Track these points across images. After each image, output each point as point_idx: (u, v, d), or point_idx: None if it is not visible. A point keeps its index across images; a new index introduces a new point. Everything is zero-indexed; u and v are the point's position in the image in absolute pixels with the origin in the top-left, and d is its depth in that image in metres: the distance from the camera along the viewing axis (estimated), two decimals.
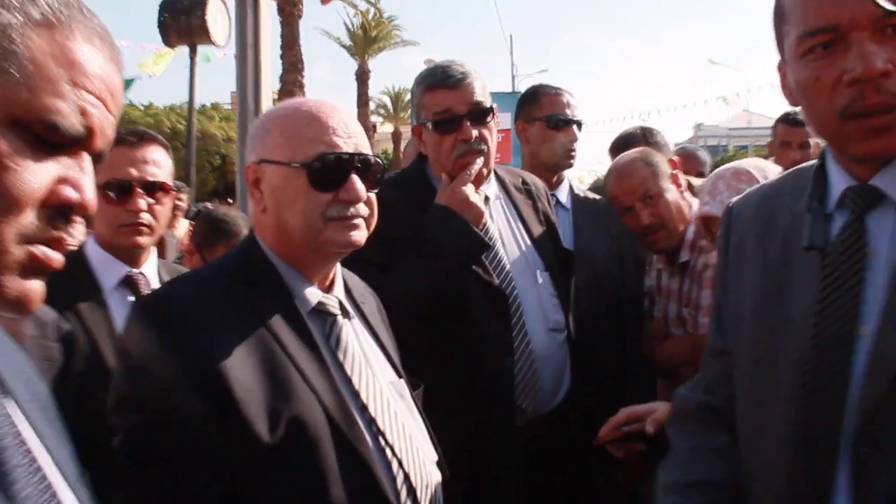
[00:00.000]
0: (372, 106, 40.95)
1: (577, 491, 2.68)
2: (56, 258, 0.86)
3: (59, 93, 0.83)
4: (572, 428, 2.57)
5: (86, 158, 0.89)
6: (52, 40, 0.84)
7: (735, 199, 1.80)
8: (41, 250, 0.84)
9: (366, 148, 1.74)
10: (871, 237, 1.44)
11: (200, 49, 12.70)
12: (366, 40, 36.95)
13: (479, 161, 2.60)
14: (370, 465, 1.56)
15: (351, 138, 1.70)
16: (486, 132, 2.65)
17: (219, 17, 12.23)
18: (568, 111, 3.45)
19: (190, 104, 12.90)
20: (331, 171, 1.66)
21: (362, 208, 1.70)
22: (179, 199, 6.24)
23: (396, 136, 43.82)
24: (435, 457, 1.77)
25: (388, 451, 1.62)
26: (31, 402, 0.96)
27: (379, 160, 1.76)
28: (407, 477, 1.62)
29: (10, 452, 0.85)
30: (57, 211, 0.85)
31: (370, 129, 36.09)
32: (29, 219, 0.82)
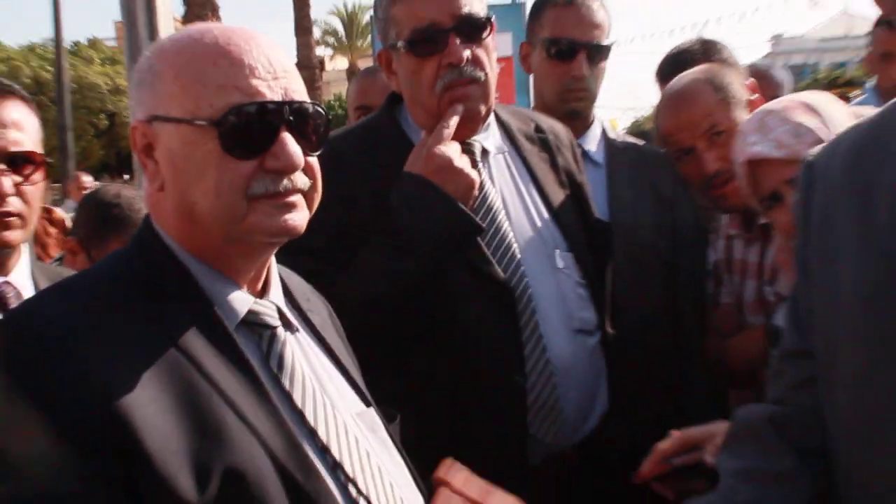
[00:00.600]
0: (317, 33, 40.98)
1: None
2: None
3: None
4: (610, 465, 2.61)
5: None
6: None
7: (815, 149, 1.85)
8: None
9: (300, 92, 1.72)
10: None
11: None
12: None
13: (472, 98, 2.64)
14: None
15: (278, 80, 1.67)
16: (481, 53, 2.67)
17: None
18: (577, 33, 3.42)
19: (57, 41, 12.80)
20: (252, 128, 1.64)
21: (300, 179, 1.69)
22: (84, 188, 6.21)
23: (351, 73, 43.86)
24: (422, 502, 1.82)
25: (361, 501, 1.66)
26: None
27: (320, 108, 1.74)
28: None
29: None
30: None
31: (315, 66, 36.09)
32: None
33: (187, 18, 24.33)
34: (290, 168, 1.66)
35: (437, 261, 2.49)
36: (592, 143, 3.46)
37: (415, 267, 2.45)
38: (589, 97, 3.48)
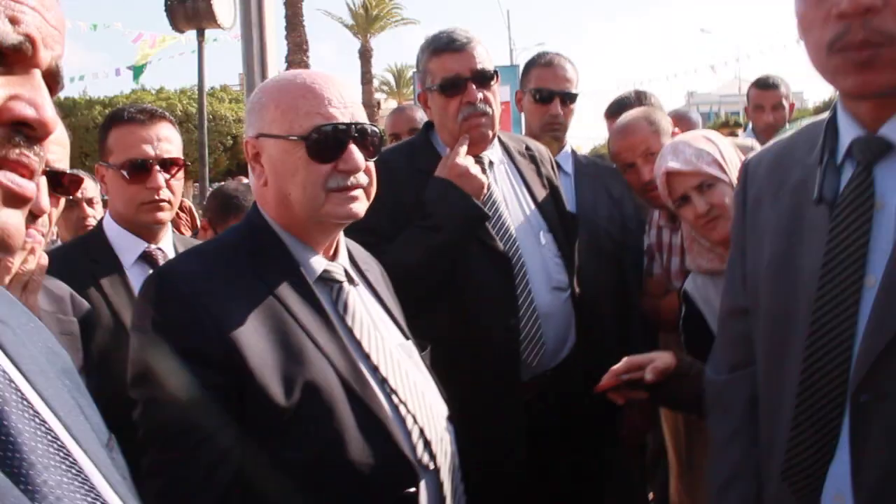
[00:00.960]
0: (375, 83, 40.72)
1: (583, 444, 2.67)
2: (27, 186, 0.78)
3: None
4: (577, 380, 2.54)
5: (36, 74, 0.80)
6: None
7: (752, 155, 1.78)
8: (8, 177, 0.76)
9: (362, 117, 1.68)
10: (880, 188, 1.41)
11: (207, 32, 12.58)
12: (367, 19, 36.63)
13: (483, 126, 2.59)
14: (385, 422, 1.55)
15: (347, 108, 1.64)
16: (489, 95, 2.62)
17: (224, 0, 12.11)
18: (553, 85, 3.40)
19: (200, 87, 12.77)
20: (329, 142, 1.61)
21: (362, 177, 1.65)
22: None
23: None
24: (446, 411, 1.76)
25: (401, 407, 1.61)
26: (41, 371, 0.91)
27: (375, 128, 1.70)
28: (422, 431, 1.61)
29: (11, 413, 0.78)
30: (14, 129, 0.77)
31: (374, 106, 35.89)
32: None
33: (288, 67, 24.27)
34: (355, 169, 1.62)
35: (458, 237, 2.43)
36: (565, 159, 3.38)
37: (441, 241, 2.41)
38: (562, 129, 3.42)
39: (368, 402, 1.54)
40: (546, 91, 3.37)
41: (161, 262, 2.33)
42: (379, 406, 1.56)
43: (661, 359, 1.91)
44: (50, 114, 0.78)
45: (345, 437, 1.49)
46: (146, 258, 2.34)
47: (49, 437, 0.82)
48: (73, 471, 0.82)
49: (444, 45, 2.62)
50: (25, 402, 0.83)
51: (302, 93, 1.63)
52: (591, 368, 2.16)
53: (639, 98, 3.76)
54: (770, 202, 1.61)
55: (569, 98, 3.41)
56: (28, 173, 0.78)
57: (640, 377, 1.90)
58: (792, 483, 1.46)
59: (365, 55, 36.58)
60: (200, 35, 12.69)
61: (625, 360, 1.94)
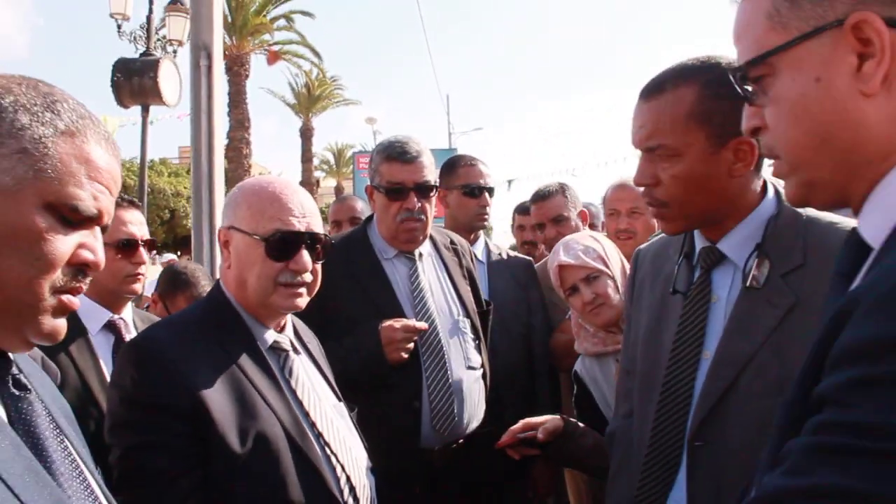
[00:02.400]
0: (316, 161, 41.16)
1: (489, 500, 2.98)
2: (76, 302, 1.15)
3: (79, 184, 1.10)
4: (487, 448, 2.75)
5: (97, 230, 1.17)
6: (73, 144, 1.11)
7: (644, 245, 2.18)
8: (67, 298, 1.12)
9: (317, 226, 1.96)
10: (716, 286, 1.84)
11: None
12: (310, 99, 37.17)
13: (416, 230, 2.93)
14: (320, 470, 1.82)
15: (305, 217, 1.93)
16: (427, 205, 2.96)
17: (170, 78, 12.21)
18: (481, 180, 3.78)
19: (142, 161, 12.89)
20: (284, 245, 1.90)
21: (307, 276, 1.94)
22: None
23: (339, 190, 43.97)
24: (368, 463, 2.04)
25: (332, 458, 1.88)
26: (54, 405, 1.22)
27: (328, 237, 1.99)
28: (349, 478, 1.89)
29: (49, 443, 1.11)
30: (77, 268, 1.13)
31: (314, 184, 36.20)
32: (59, 275, 1.10)
33: (229, 148, 24.45)
34: (303, 270, 1.92)
35: (357, 378, 2.62)
36: (479, 249, 3.71)
37: (353, 369, 2.61)
38: (488, 218, 3.81)
39: (307, 452, 1.81)
40: (476, 186, 3.76)
41: (123, 331, 2.61)
42: (316, 456, 1.83)
43: (552, 421, 2.25)
44: (101, 257, 1.16)
45: (287, 481, 1.76)
46: (110, 327, 2.61)
47: (77, 473, 1.15)
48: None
49: (396, 155, 2.95)
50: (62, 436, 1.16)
51: (270, 200, 1.92)
52: (499, 437, 2.42)
53: (561, 187, 4.21)
54: (649, 286, 2.03)
55: (492, 192, 3.84)
56: (78, 294, 1.15)
57: (534, 436, 2.23)
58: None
59: (306, 134, 37.03)
60: (145, 111, 12.83)
61: (521, 421, 2.27)
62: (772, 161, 1.14)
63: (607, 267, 2.78)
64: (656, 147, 1.75)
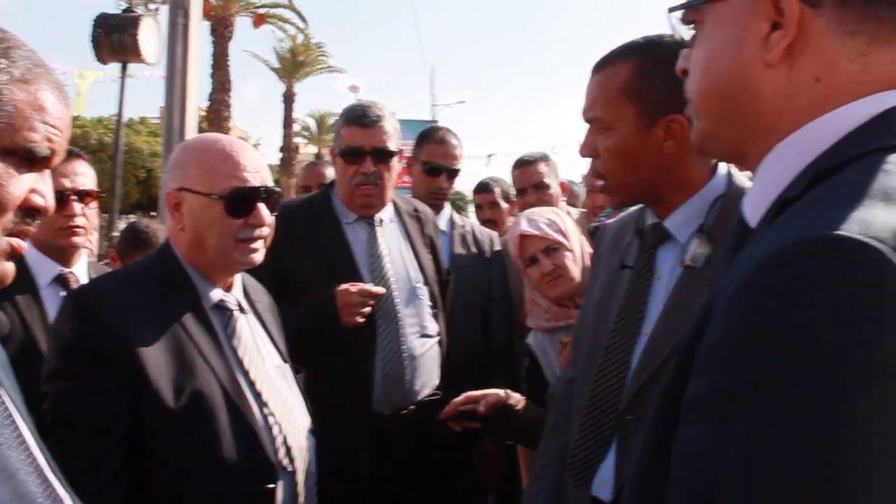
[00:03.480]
0: (296, 127, 40.87)
1: (434, 468, 3.02)
2: (24, 246, 1.16)
3: (33, 128, 1.13)
4: (433, 414, 2.81)
5: (47, 174, 1.19)
6: (28, 91, 1.13)
7: (609, 220, 2.20)
8: (16, 241, 1.13)
9: (269, 180, 1.98)
10: (659, 263, 1.85)
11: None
12: (294, 64, 36.78)
13: (371, 196, 2.93)
14: (254, 428, 1.83)
15: (258, 173, 1.94)
16: (384, 170, 2.95)
17: (150, 36, 11.99)
18: (444, 161, 3.76)
19: (119, 119, 12.68)
20: (242, 201, 1.91)
21: (264, 230, 1.96)
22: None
23: (318, 157, 43.74)
24: (309, 425, 2.05)
25: (270, 418, 1.89)
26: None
27: (277, 189, 2.00)
28: (285, 439, 1.90)
29: None
30: (27, 211, 1.14)
31: (293, 150, 35.95)
32: (9, 217, 1.11)
33: (210, 110, 24.20)
34: (262, 224, 1.94)
35: (319, 335, 2.69)
36: (443, 220, 3.70)
37: (307, 331, 2.62)
38: (444, 198, 3.79)
39: (243, 410, 1.82)
40: (436, 165, 3.76)
41: (74, 285, 2.58)
42: (251, 414, 1.84)
43: (494, 395, 2.28)
44: (51, 201, 1.18)
45: (220, 437, 1.77)
46: (60, 281, 2.58)
47: (9, 422, 1.14)
48: (27, 453, 1.13)
49: (355, 118, 2.95)
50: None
51: (222, 158, 1.92)
52: (445, 404, 2.46)
53: (543, 156, 4.25)
54: (606, 260, 2.05)
55: (453, 174, 3.82)
56: (25, 238, 1.16)
57: (475, 409, 2.25)
58: (571, 474, 1.88)
59: (288, 99, 36.69)
60: (124, 69, 12.65)
61: (463, 395, 2.29)
62: None
63: (567, 240, 2.80)
64: (593, 120, 1.80)
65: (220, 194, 1.90)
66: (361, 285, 2.77)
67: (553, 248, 2.77)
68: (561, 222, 2.83)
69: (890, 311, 0.68)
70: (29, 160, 1.13)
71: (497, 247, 3.78)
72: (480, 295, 3.52)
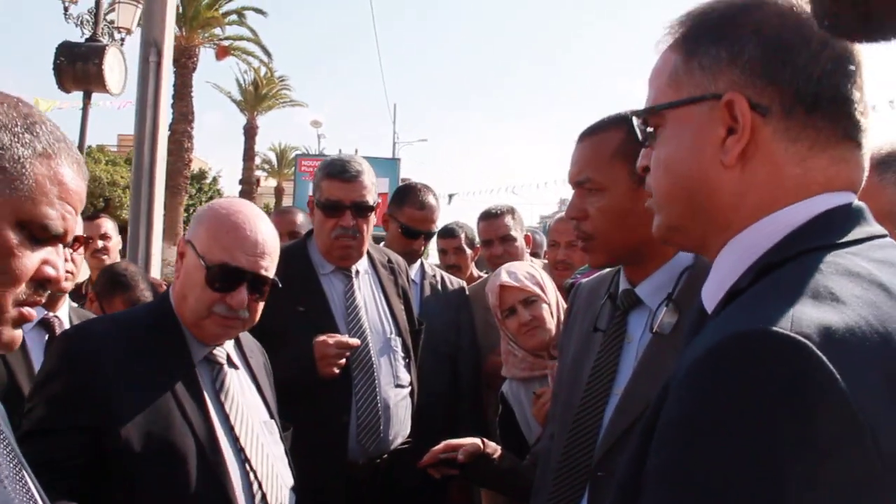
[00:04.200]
0: (258, 160, 40.69)
1: None
2: (34, 314, 1.20)
3: (51, 203, 1.15)
4: (409, 464, 2.82)
5: (59, 247, 1.22)
6: (49, 166, 1.16)
7: (585, 280, 2.28)
8: (27, 310, 1.17)
9: (268, 267, 1.98)
10: (631, 328, 1.96)
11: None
12: (256, 97, 36.75)
13: (349, 248, 3.00)
14: (224, 485, 1.83)
15: (255, 257, 1.94)
16: (363, 223, 3.03)
17: (115, 66, 11.91)
18: (423, 226, 3.84)
19: (80, 149, 12.59)
20: (224, 278, 1.92)
21: (243, 313, 1.95)
22: None
23: (279, 191, 43.45)
24: (291, 482, 2.07)
25: (251, 474, 1.91)
26: None
27: (273, 279, 2.00)
28: (264, 496, 1.91)
29: None
30: (39, 283, 1.17)
31: (254, 183, 35.79)
32: (22, 289, 1.15)
33: (171, 140, 23.98)
34: (238, 307, 1.94)
35: (296, 385, 2.63)
36: (414, 271, 3.77)
37: (284, 381, 2.49)
38: (419, 257, 3.88)
39: (216, 469, 1.83)
40: (414, 230, 3.83)
41: (57, 328, 2.61)
42: (224, 471, 1.84)
43: (472, 444, 2.35)
44: (62, 273, 1.22)
45: (187, 494, 1.78)
46: (44, 325, 2.62)
47: (18, 472, 1.20)
48: (29, 495, 1.19)
49: (336, 173, 3.02)
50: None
51: (228, 229, 1.94)
52: (422, 454, 2.48)
53: (510, 209, 4.37)
54: (580, 320, 2.14)
55: (430, 236, 3.95)
56: (35, 306, 1.20)
57: (454, 457, 2.32)
58: None
59: (250, 132, 36.54)
60: (87, 97, 12.53)
61: (443, 443, 2.35)
62: None
63: (544, 293, 2.91)
64: (585, 181, 1.91)
65: (208, 263, 1.92)
66: (338, 337, 2.82)
67: (531, 300, 2.88)
68: (539, 276, 2.96)
69: (812, 399, 0.77)
70: (43, 237, 1.17)
71: (466, 295, 3.88)
72: (449, 345, 3.60)
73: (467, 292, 3.91)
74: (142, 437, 1.76)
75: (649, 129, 1.16)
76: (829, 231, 0.97)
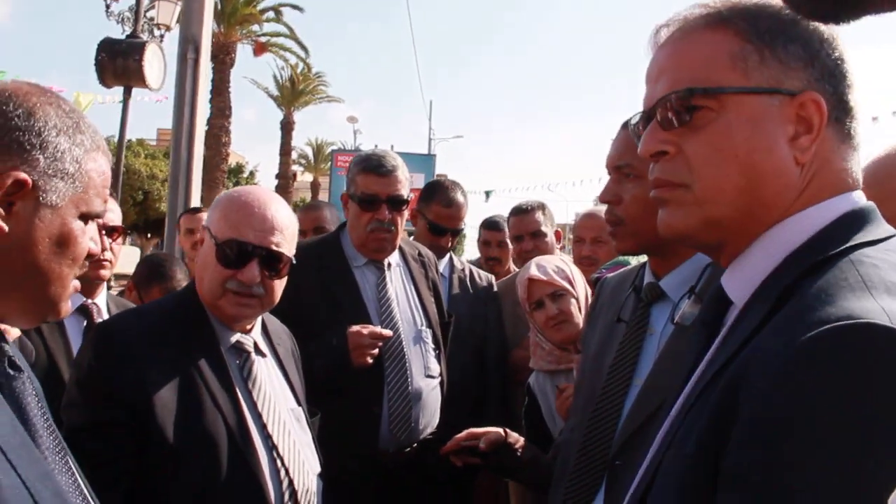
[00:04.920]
0: (294, 155, 40.98)
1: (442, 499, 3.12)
2: (78, 285, 1.31)
3: (98, 193, 1.29)
4: (436, 451, 2.93)
5: (97, 223, 1.34)
6: (95, 160, 1.29)
7: (610, 275, 2.30)
8: (76, 283, 1.29)
9: (281, 244, 2.00)
10: (653, 320, 1.97)
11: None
12: (293, 93, 36.97)
13: (385, 241, 3.04)
14: (256, 472, 1.86)
15: (264, 232, 1.97)
16: (398, 217, 3.06)
17: (154, 62, 12.10)
18: (449, 223, 3.88)
19: (120, 143, 12.75)
20: (235, 254, 1.96)
21: (257, 289, 1.97)
22: None
23: (315, 186, 43.82)
24: (318, 468, 2.10)
25: (278, 461, 1.94)
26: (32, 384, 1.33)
27: (287, 255, 2.02)
28: (291, 482, 1.94)
29: (37, 420, 1.22)
30: (87, 257, 1.29)
31: (290, 178, 36.06)
32: (80, 264, 1.28)
33: (208, 135, 24.28)
34: (249, 282, 1.97)
35: (329, 375, 2.75)
36: (443, 265, 3.80)
37: (318, 372, 2.64)
38: (446, 252, 3.90)
39: (246, 454, 1.86)
40: (441, 227, 3.87)
41: (95, 315, 2.69)
42: (255, 459, 1.87)
43: (494, 433, 2.37)
44: (100, 246, 1.34)
45: (218, 479, 1.81)
46: (83, 311, 2.69)
47: (59, 449, 1.26)
48: (74, 478, 1.25)
49: (372, 167, 3.05)
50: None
51: (238, 207, 1.99)
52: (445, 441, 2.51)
53: (541, 205, 4.35)
54: (605, 313, 2.15)
55: (457, 233, 3.96)
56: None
57: (476, 445, 2.35)
58: None
59: (287, 127, 36.79)
60: (127, 92, 12.73)
61: (466, 431, 2.38)
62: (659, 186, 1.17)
63: (573, 287, 2.93)
64: (624, 166, 1.92)
65: (219, 241, 1.98)
66: (372, 328, 2.85)
67: (559, 294, 2.90)
68: (568, 270, 2.97)
69: None
70: (93, 219, 1.29)
71: (494, 289, 3.90)
72: (477, 337, 3.62)
73: (495, 288, 3.93)
74: (176, 426, 1.79)
75: (687, 112, 1.08)
76: (863, 229, 0.99)
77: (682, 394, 1.10)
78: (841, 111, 1.06)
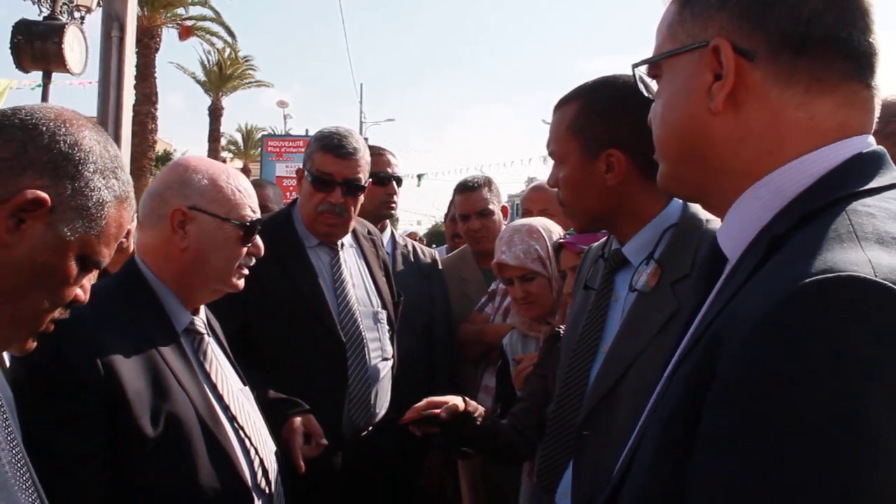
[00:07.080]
0: (223, 142, 40.16)
1: (390, 484, 3.09)
2: (51, 326, 1.28)
3: (108, 243, 1.26)
4: (389, 434, 2.90)
5: (94, 274, 1.31)
6: (118, 211, 1.27)
7: (595, 244, 2.28)
8: (50, 325, 1.27)
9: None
10: (617, 286, 1.98)
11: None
12: (220, 78, 36.11)
13: (334, 226, 2.96)
14: (231, 454, 1.83)
15: (256, 208, 2.08)
16: (351, 202, 2.95)
17: (75, 44, 11.64)
18: (389, 169, 3.73)
19: None
20: (252, 232, 2.03)
21: (253, 259, 2.09)
22: None
23: (245, 172, 42.91)
24: (274, 446, 2.08)
25: (247, 441, 1.91)
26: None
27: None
28: (262, 461, 1.93)
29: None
30: (69, 303, 1.26)
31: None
32: (60, 308, 1.24)
33: (134, 122, 23.54)
34: (259, 254, 2.09)
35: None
36: (385, 239, 3.68)
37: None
38: (395, 209, 3.81)
39: (219, 436, 1.82)
40: (384, 175, 3.70)
41: None
42: (227, 440, 1.84)
43: (454, 401, 2.35)
44: (88, 296, 1.32)
45: (197, 464, 1.76)
46: None
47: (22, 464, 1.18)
48: (35, 496, 1.18)
49: (332, 147, 2.91)
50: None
51: (236, 187, 2.02)
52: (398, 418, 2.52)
53: (487, 181, 4.16)
54: (582, 282, 2.16)
55: (399, 182, 3.83)
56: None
57: (436, 415, 2.31)
58: (539, 482, 2.00)
59: (215, 113, 35.97)
60: (46, 77, 12.25)
61: (425, 399, 2.34)
62: None
63: (545, 268, 2.88)
64: (551, 153, 1.98)
65: (241, 222, 2.00)
66: (315, 428, 2.61)
67: (528, 278, 2.88)
68: (542, 246, 2.91)
69: None
70: (91, 269, 1.27)
71: (439, 266, 3.84)
72: (423, 316, 3.55)
73: (440, 265, 3.86)
74: (149, 415, 1.72)
75: (653, 83, 1.16)
76: (862, 176, 0.94)
77: (676, 354, 1.06)
78: (788, 47, 0.98)
